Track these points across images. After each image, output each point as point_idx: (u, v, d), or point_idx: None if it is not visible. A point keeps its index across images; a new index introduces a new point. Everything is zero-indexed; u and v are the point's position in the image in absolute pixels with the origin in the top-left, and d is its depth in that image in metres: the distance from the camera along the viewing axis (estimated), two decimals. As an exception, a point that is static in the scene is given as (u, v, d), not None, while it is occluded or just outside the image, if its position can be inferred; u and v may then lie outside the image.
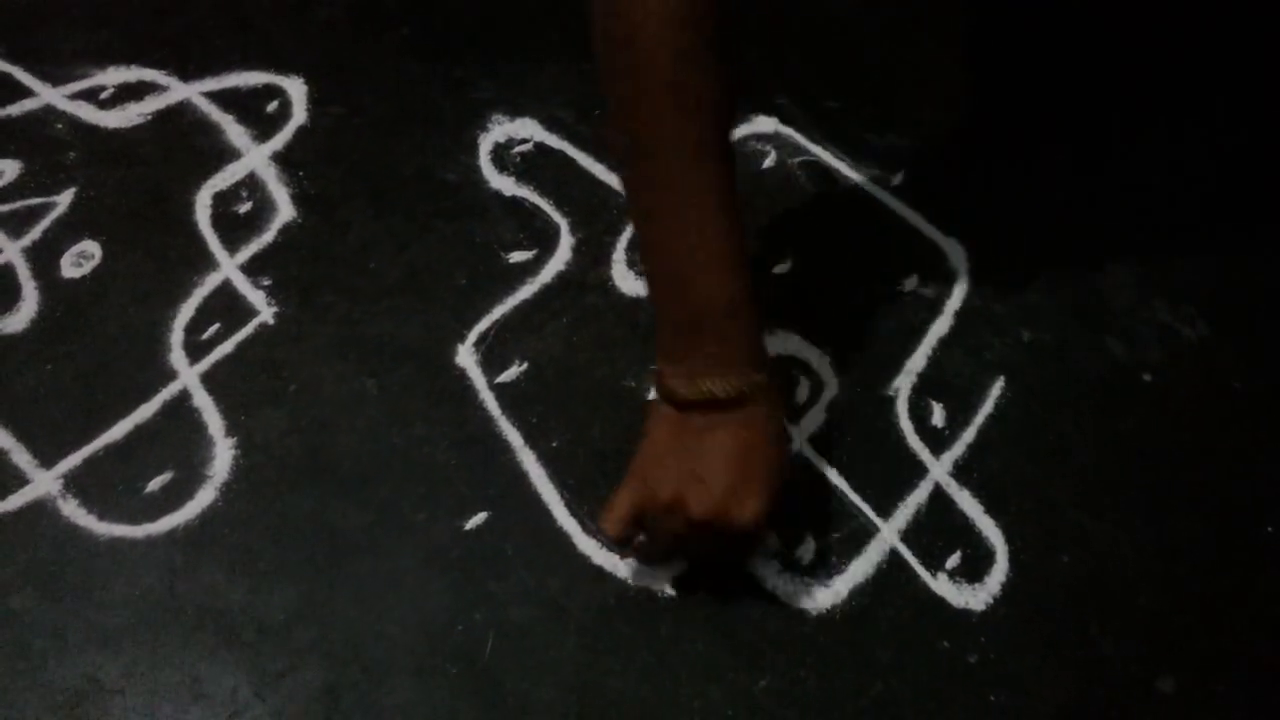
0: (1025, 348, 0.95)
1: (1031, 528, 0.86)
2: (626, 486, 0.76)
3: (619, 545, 0.82)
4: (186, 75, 1.09)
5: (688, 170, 0.71)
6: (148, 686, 0.76)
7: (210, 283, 0.95)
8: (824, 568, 0.83)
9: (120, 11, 1.14)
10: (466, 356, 0.92)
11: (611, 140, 0.72)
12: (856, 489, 0.87)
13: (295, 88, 1.09)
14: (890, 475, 0.88)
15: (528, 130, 1.07)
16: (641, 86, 0.69)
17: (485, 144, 1.06)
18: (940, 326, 0.96)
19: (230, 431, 0.88)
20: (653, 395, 0.78)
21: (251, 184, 1.02)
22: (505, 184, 1.03)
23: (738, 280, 0.73)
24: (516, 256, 0.98)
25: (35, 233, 0.98)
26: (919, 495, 0.87)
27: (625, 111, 0.71)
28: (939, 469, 0.88)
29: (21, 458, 0.86)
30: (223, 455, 0.86)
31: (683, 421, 0.74)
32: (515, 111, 1.08)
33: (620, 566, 0.83)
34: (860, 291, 0.98)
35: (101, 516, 0.83)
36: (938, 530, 0.85)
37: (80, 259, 0.96)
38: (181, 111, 1.07)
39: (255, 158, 1.03)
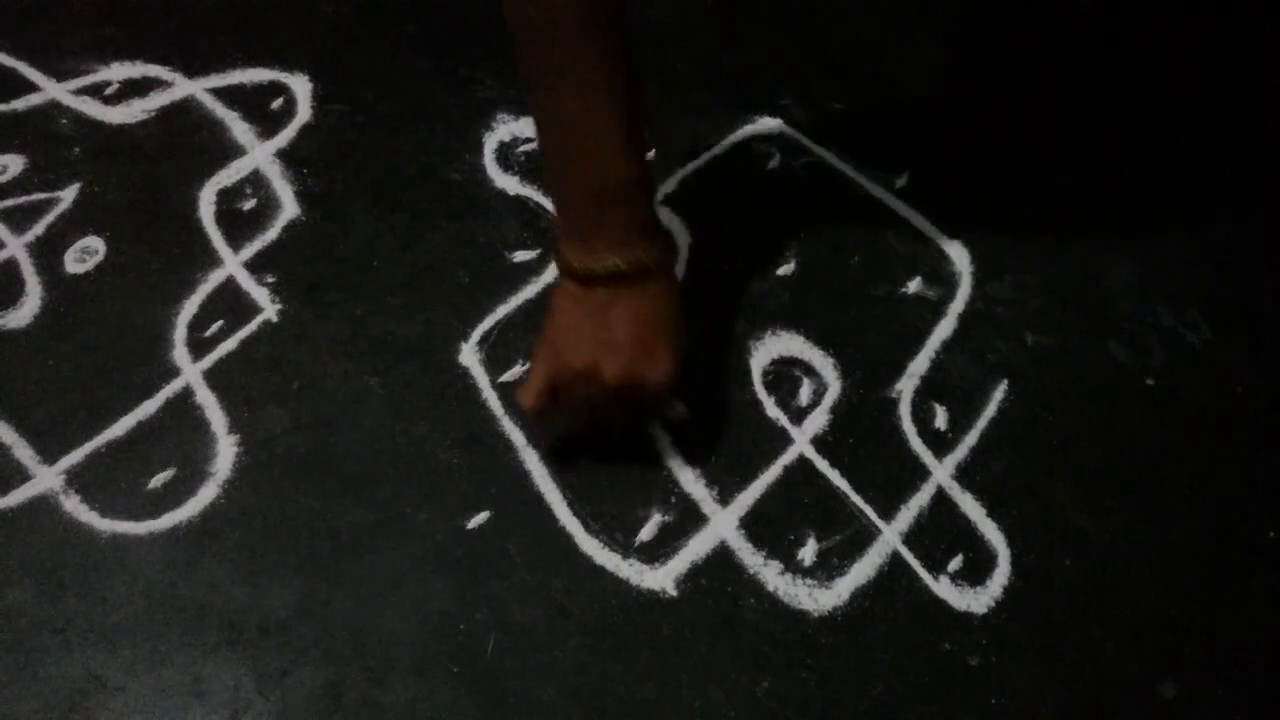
0: (1028, 351, 0.95)
1: (1033, 531, 0.86)
2: (539, 361, 0.80)
3: (536, 419, 0.84)
4: (191, 71, 1.09)
5: (584, 46, 0.73)
6: (149, 684, 0.76)
7: (214, 279, 0.95)
8: (825, 570, 0.83)
9: (125, 7, 1.14)
10: (469, 355, 0.92)
11: (510, 22, 0.75)
12: (859, 491, 0.87)
13: (300, 85, 1.09)
14: (893, 477, 0.88)
15: (532, 129, 1.07)
16: None
17: (490, 143, 1.06)
18: (943, 329, 0.96)
19: (233, 429, 0.88)
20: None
21: (256, 181, 1.02)
22: (509, 183, 1.03)
23: (635, 156, 0.77)
24: (520, 256, 0.98)
25: (39, 228, 0.98)
26: (921, 498, 0.87)
27: None
28: (941, 471, 0.88)
29: (24, 453, 0.86)
30: (225, 452, 0.86)
31: (588, 295, 0.79)
32: (520, 110, 1.08)
33: (622, 567, 0.83)
34: (863, 294, 0.98)
35: (104, 513, 0.83)
36: (940, 533, 0.85)
37: (84, 255, 0.96)
38: (186, 108, 1.07)
39: (259, 155, 1.03)
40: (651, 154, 1.05)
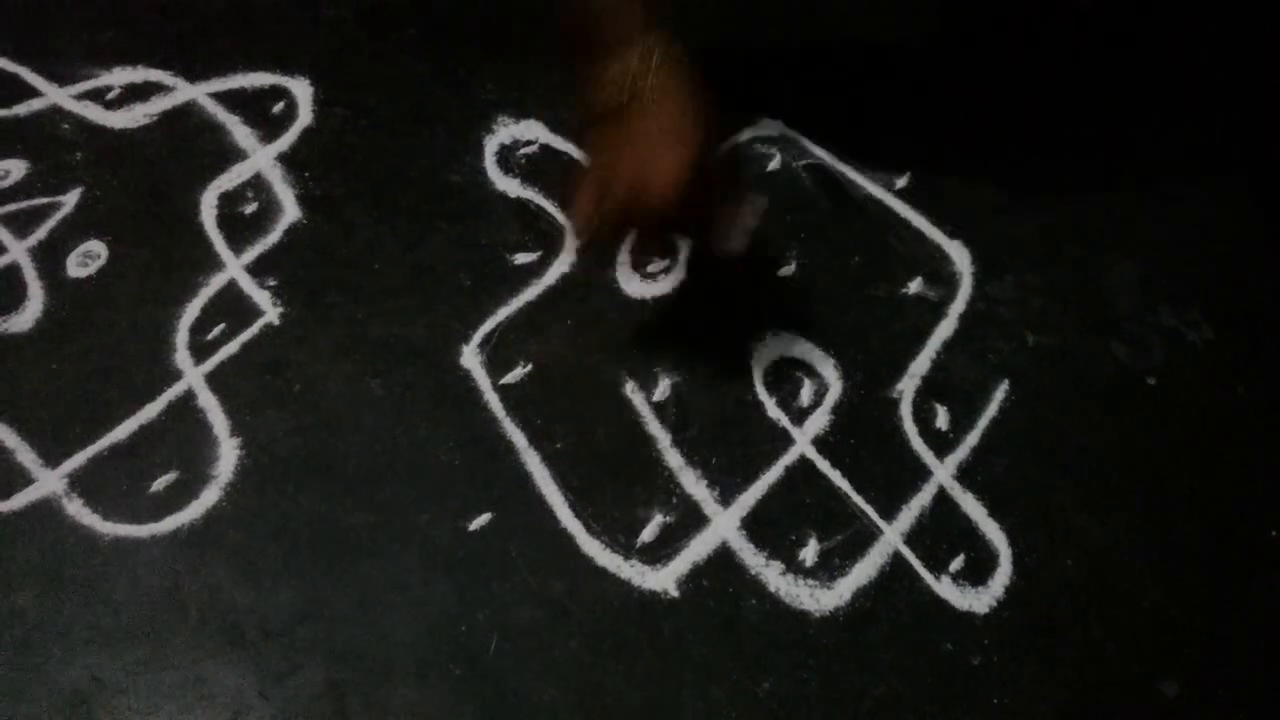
0: (1029, 351, 0.95)
1: (1035, 531, 0.86)
2: (579, 197, 0.84)
3: (591, 229, 0.86)
4: (193, 76, 1.09)
5: None
6: (151, 686, 0.76)
7: (216, 283, 0.96)
8: (827, 570, 0.83)
9: (127, 12, 1.14)
10: (471, 357, 0.92)
11: None
12: (860, 491, 0.87)
13: (301, 89, 1.09)
14: (894, 478, 0.88)
15: (533, 132, 1.07)
16: None
17: (491, 145, 1.06)
18: (944, 329, 0.96)
19: (235, 431, 0.88)
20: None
21: (257, 185, 1.02)
22: (510, 185, 1.03)
23: None
24: (521, 258, 0.99)
25: (41, 232, 0.98)
26: (923, 498, 0.87)
27: None
28: (943, 472, 0.88)
29: (27, 457, 0.86)
30: (227, 455, 0.87)
31: (602, 130, 0.82)
32: (521, 113, 1.08)
33: (623, 567, 0.83)
34: (864, 294, 0.98)
35: (106, 516, 0.83)
36: (941, 533, 0.85)
37: (86, 259, 0.97)
38: (188, 112, 1.07)
39: (261, 158, 1.04)
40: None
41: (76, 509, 0.84)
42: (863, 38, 1.18)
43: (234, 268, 0.96)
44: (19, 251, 0.97)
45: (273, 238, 0.99)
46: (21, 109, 1.06)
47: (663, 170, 0.79)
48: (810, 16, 1.19)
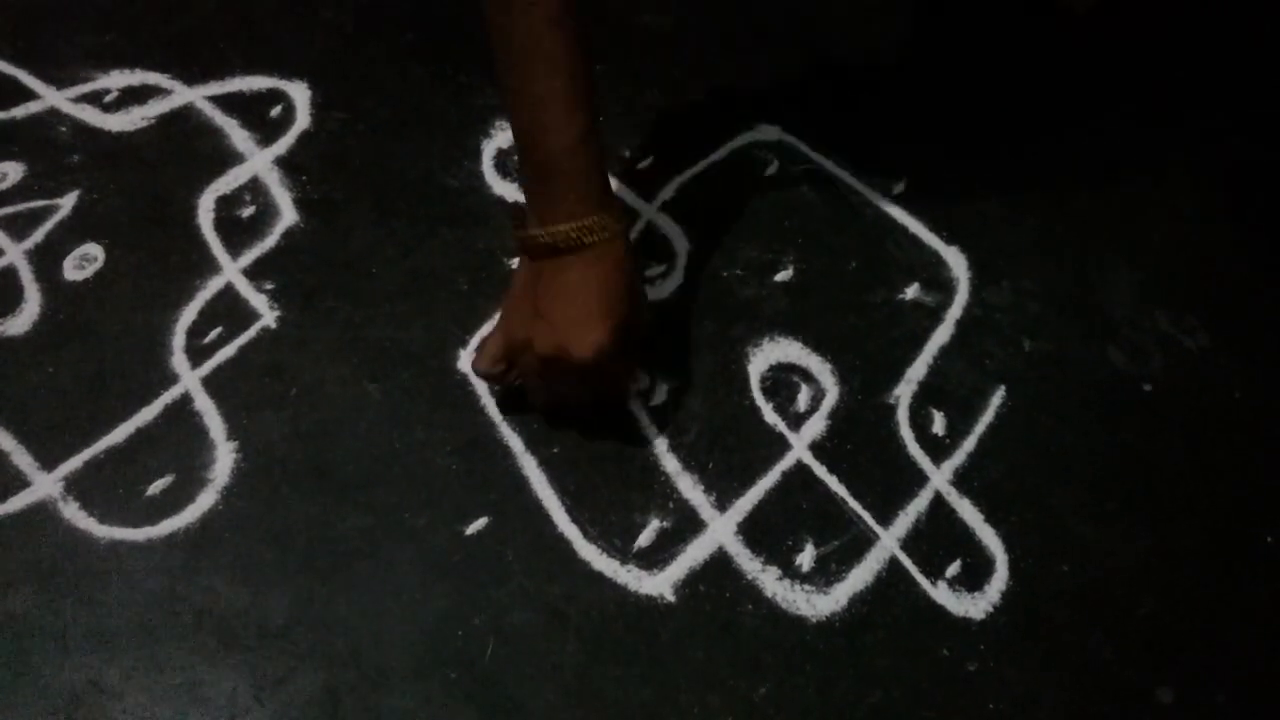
0: (1026, 357, 0.96)
1: (1032, 537, 0.86)
2: (495, 329, 0.85)
3: (491, 382, 0.89)
4: (190, 79, 1.09)
5: (536, 23, 0.76)
6: (147, 690, 0.76)
7: (213, 286, 0.96)
8: (824, 575, 0.83)
9: (124, 15, 1.14)
10: (468, 362, 0.92)
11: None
12: (857, 496, 0.87)
13: (299, 92, 1.09)
14: (891, 483, 0.88)
15: (531, 136, 1.07)
16: None
17: (488, 150, 1.06)
18: (941, 335, 0.96)
19: (231, 435, 0.88)
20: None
21: (254, 188, 1.02)
22: (508, 190, 1.03)
23: (578, 124, 0.78)
24: (518, 263, 0.98)
25: (38, 235, 0.98)
26: (919, 503, 0.87)
27: None
28: (939, 477, 0.88)
29: (22, 460, 0.86)
30: (224, 459, 0.86)
31: (537, 268, 0.81)
32: (518, 117, 1.08)
33: (620, 572, 0.83)
34: (861, 300, 0.98)
35: (102, 519, 0.83)
36: (938, 538, 0.85)
37: (83, 262, 0.96)
38: (185, 115, 1.07)
39: (258, 162, 1.04)
40: (648, 162, 1.06)
41: (72, 512, 0.83)
42: (860, 44, 1.19)
43: (231, 271, 0.96)
44: (16, 254, 0.97)
45: (270, 241, 0.99)
46: (19, 111, 1.06)
47: (595, 341, 0.79)
48: (808, 22, 1.20)
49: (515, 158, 1.05)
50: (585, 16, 0.77)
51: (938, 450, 0.90)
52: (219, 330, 0.93)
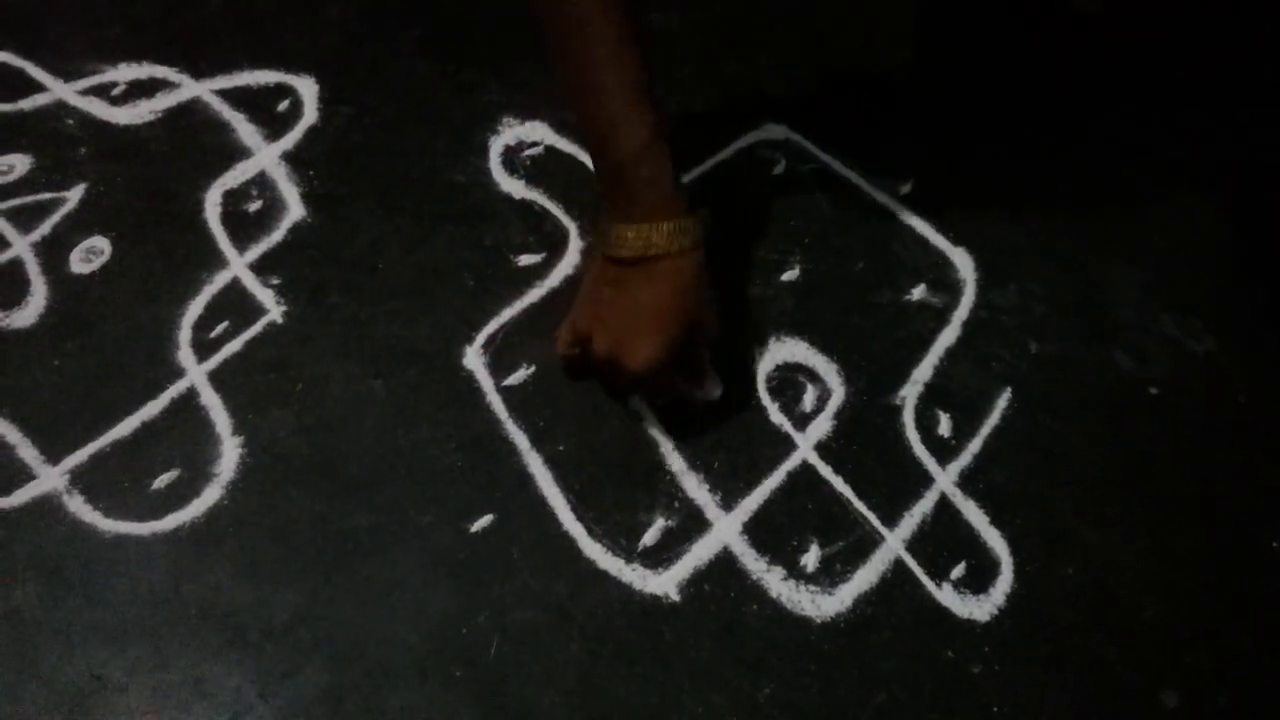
0: (1032, 359, 0.95)
1: (1037, 539, 0.86)
2: (569, 318, 0.87)
3: (569, 365, 0.90)
4: (198, 73, 1.09)
5: (599, 26, 0.75)
6: (151, 685, 0.76)
7: (219, 281, 0.95)
8: (829, 576, 0.83)
9: (132, 8, 1.14)
10: (474, 358, 0.92)
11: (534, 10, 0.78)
12: (862, 497, 0.87)
13: (306, 87, 1.09)
14: (896, 484, 0.88)
15: (538, 133, 1.07)
16: None
17: (495, 146, 1.06)
18: (948, 336, 0.96)
19: (237, 430, 0.88)
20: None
21: (261, 183, 1.02)
22: (515, 187, 1.03)
23: (649, 122, 0.77)
24: (525, 259, 0.98)
25: (45, 228, 0.98)
26: (925, 505, 0.87)
27: None
28: (945, 479, 0.88)
29: (28, 453, 0.86)
30: (229, 454, 0.87)
31: (605, 270, 0.82)
32: (526, 114, 1.08)
33: (625, 571, 0.83)
34: (868, 300, 0.98)
35: (107, 513, 0.83)
36: (943, 540, 0.85)
37: (90, 255, 0.96)
38: (193, 109, 1.07)
39: (265, 156, 1.04)
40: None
41: (77, 506, 0.84)
42: (868, 43, 1.18)
43: (238, 266, 0.96)
44: (22, 247, 0.97)
45: (277, 236, 0.99)
46: (26, 104, 1.06)
47: (649, 354, 0.80)
48: (816, 21, 1.19)
49: (522, 154, 1.05)
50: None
51: (943, 452, 0.90)
52: (225, 325, 0.93)
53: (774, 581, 0.83)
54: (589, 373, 0.89)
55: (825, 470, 0.88)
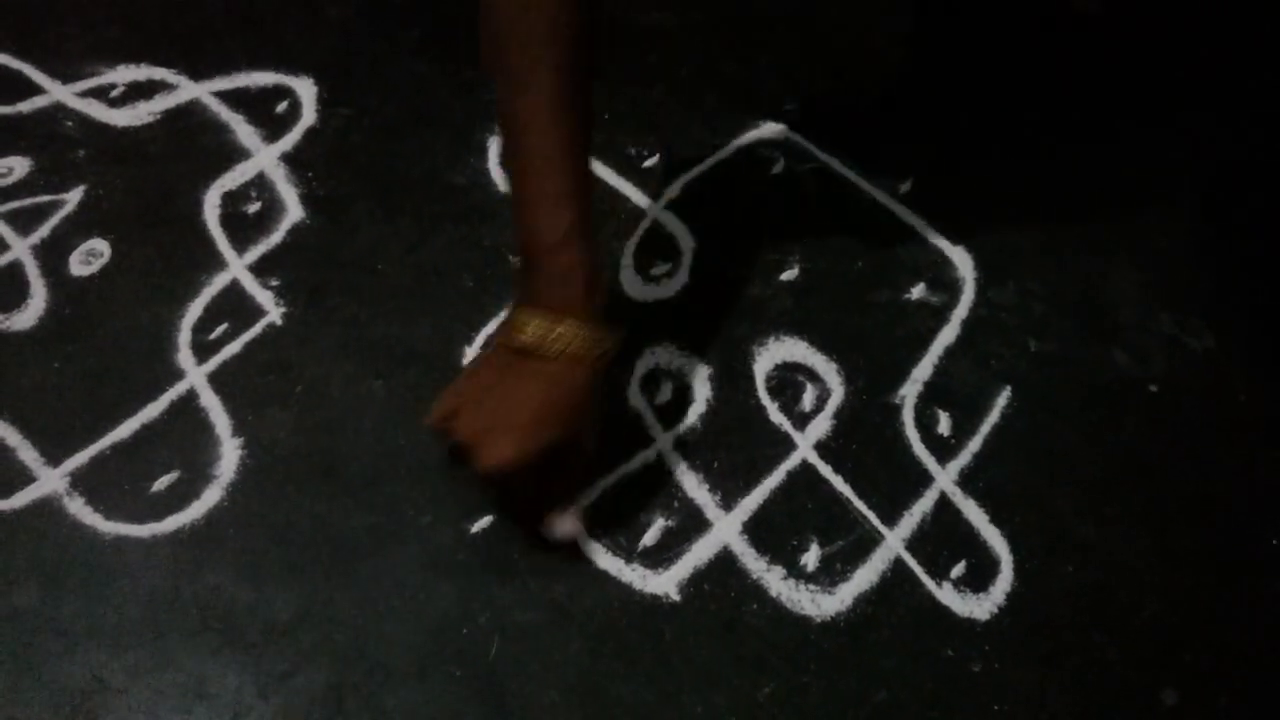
0: (1032, 358, 0.95)
1: (1036, 537, 0.86)
2: (449, 389, 0.80)
3: (438, 435, 0.81)
4: (197, 74, 1.09)
5: (541, 132, 0.73)
6: (152, 686, 0.76)
7: (218, 282, 0.96)
8: (829, 575, 0.83)
9: (131, 10, 1.14)
10: (473, 359, 0.92)
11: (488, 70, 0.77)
12: (862, 497, 0.87)
13: (305, 88, 1.09)
14: (896, 483, 0.88)
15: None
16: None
17: (494, 146, 1.06)
18: (947, 335, 0.96)
19: (237, 432, 0.88)
20: None
21: (260, 184, 1.02)
22: (514, 187, 1.03)
23: (563, 222, 0.74)
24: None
25: (44, 230, 0.98)
26: (924, 504, 0.87)
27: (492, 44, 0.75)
28: (945, 478, 0.88)
29: (28, 455, 0.86)
30: (229, 455, 0.87)
31: (497, 353, 0.78)
32: (524, 115, 1.08)
33: (625, 571, 0.83)
34: (867, 299, 0.98)
35: (107, 515, 0.83)
36: (943, 539, 0.85)
37: (89, 257, 0.96)
38: (191, 111, 1.07)
39: (264, 158, 1.04)
40: (654, 160, 1.05)
41: (78, 508, 0.84)
42: (867, 43, 1.18)
43: (237, 267, 0.96)
44: (21, 249, 0.97)
45: (276, 237, 0.99)
46: (25, 106, 1.06)
47: (518, 442, 0.74)
48: (815, 21, 1.19)
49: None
50: (586, 100, 0.75)
51: (943, 451, 0.90)
52: (224, 327, 0.93)
53: (774, 581, 0.83)
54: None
55: (825, 469, 0.88)
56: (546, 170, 0.74)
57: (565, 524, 0.82)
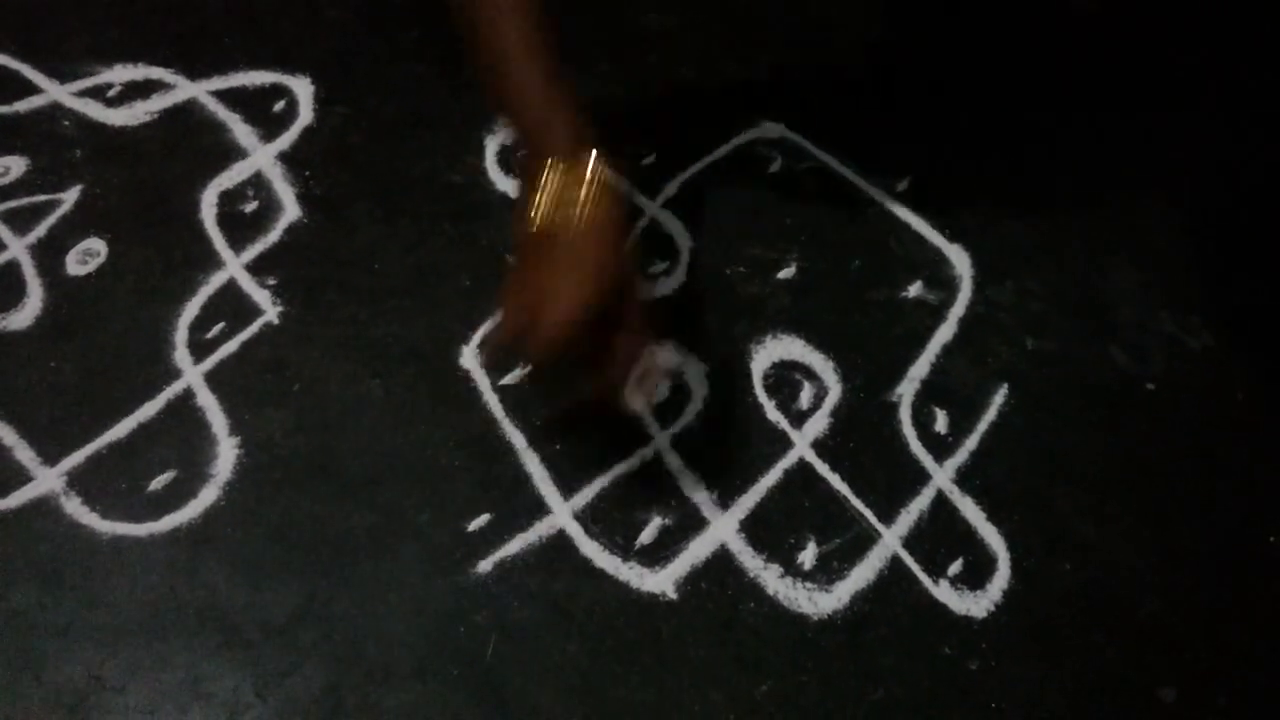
0: (1029, 356, 0.95)
1: (1034, 535, 0.86)
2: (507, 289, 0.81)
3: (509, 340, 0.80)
4: (194, 74, 1.09)
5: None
6: (149, 685, 0.76)
7: (215, 281, 0.96)
8: (826, 573, 0.83)
9: (128, 9, 1.14)
10: (471, 358, 0.92)
11: None
12: (859, 494, 0.87)
13: (302, 87, 1.09)
14: (893, 481, 0.88)
15: (534, 133, 1.07)
16: None
17: (491, 146, 1.06)
18: (944, 333, 0.96)
19: (234, 431, 0.88)
20: None
21: (257, 183, 1.02)
22: (511, 186, 1.03)
23: (546, 77, 0.79)
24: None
25: (41, 229, 0.98)
26: (921, 501, 0.87)
27: None
28: (942, 475, 0.88)
29: (25, 454, 0.86)
30: (226, 454, 0.87)
31: (524, 246, 0.79)
32: (522, 114, 1.08)
33: (622, 569, 0.83)
34: (864, 297, 0.98)
35: (104, 515, 0.83)
36: (940, 537, 0.85)
37: (85, 256, 0.96)
38: (188, 110, 1.07)
39: (261, 157, 1.04)
40: (651, 159, 1.06)
41: (75, 507, 0.84)
42: (864, 42, 1.18)
43: (234, 266, 0.96)
44: (18, 249, 0.97)
45: (273, 236, 0.99)
46: (22, 106, 1.06)
47: (565, 305, 0.74)
48: (812, 20, 1.19)
49: (519, 154, 1.05)
50: None
51: (940, 448, 0.90)
52: (221, 326, 0.93)
53: (771, 579, 0.83)
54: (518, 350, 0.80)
55: (822, 468, 0.88)
56: (516, 40, 0.80)
57: (663, 356, 0.83)
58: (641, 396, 0.82)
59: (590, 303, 0.75)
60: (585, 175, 0.77)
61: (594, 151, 0.78)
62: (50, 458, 0.86)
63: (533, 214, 0.77)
